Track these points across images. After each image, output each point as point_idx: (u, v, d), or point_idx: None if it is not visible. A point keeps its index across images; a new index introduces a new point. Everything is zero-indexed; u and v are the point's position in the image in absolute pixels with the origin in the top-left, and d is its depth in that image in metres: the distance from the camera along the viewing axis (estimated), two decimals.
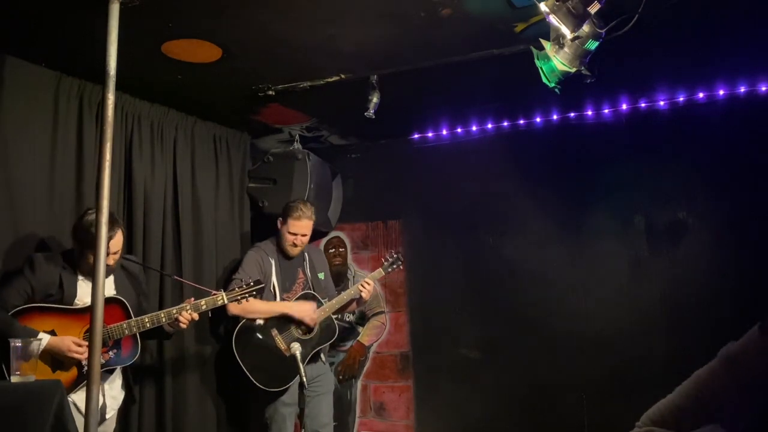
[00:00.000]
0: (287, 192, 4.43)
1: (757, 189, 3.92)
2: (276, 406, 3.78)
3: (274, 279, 3.90)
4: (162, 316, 3.13)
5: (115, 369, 3.14)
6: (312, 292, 3.98)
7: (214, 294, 3.30)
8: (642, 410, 4.04)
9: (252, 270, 3.83)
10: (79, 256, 3.01)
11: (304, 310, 3.83)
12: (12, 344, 2.45)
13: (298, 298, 3.92)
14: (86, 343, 2.83)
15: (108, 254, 2.97)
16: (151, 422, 3.72)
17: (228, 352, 3.84)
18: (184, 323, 3.16)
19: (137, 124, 3.84)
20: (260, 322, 3.81)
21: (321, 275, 4.14)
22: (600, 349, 4.16)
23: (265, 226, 4.54)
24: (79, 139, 3.49)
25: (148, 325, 3.06)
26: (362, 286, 3.94)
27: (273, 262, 3.94)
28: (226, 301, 3.32)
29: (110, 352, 3.01)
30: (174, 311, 3.17)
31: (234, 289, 3.37)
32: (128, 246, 3.70)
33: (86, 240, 2.90)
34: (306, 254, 4.10)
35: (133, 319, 3.04)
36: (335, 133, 4.84)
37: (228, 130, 4.50)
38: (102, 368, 2.94)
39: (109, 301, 3.03)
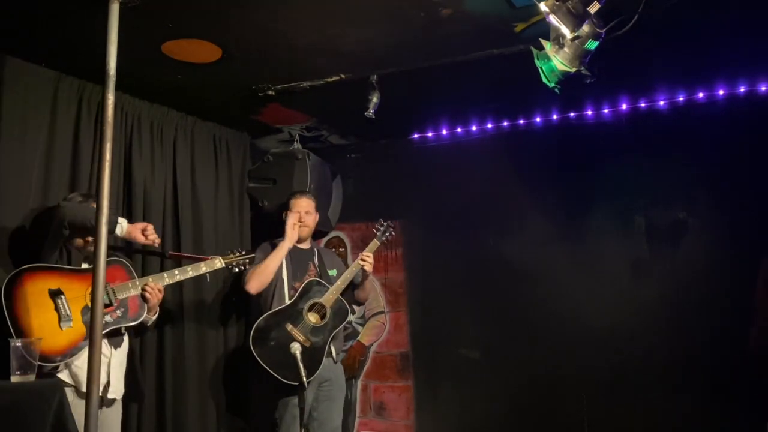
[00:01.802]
0: (287, 192, 4.43)
1: (757, 189, 3.92)
2: (287, 406, 3.77)
3: (284, 269, 3.92)
4: (165, 277, 3.27)
5: (123, 339, 3.18)
6: (314, 278, 3.96)
7: (211, 258, 3.52)
8: (642, 410, 4.06)
9: (266, 254, 3.93)
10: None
11: (288, 226, 3.91)
12: (12, 344, 2.45)
13: (305, 284, 3.90)
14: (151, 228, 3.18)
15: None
16: (151, 420, 3.71)
17: (243, 355, 3.87)
18: (150, 293, 3.17)
19: (137, 124, 3.84)
20: (273, 319, 3.80)
21: (332, 272, 4.12)
22: (600, 349, 4.16)
23: (265, 226, 4.54)
24: (79, 139, 3.49)
25: (150, 282, 3.18)
26: (362, 260, 3.94)
27: None
28: (223, 264, 3.53)
29: (118, 311, 3.06)
30: (176, 272, 3.31)
31: (229, 255, 3.59)
32: (128, 246, 3.70)
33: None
34: (316, 250, 4.13)
35: (137, 279, 3.16)
36: (335, 133, 4.84)
37: (228, 130, 4.50)
38: (110, 326, 3.03)
39: (110, 263, 3.10)
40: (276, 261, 3.87)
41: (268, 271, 3.85)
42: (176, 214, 4.02)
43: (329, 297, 3.86)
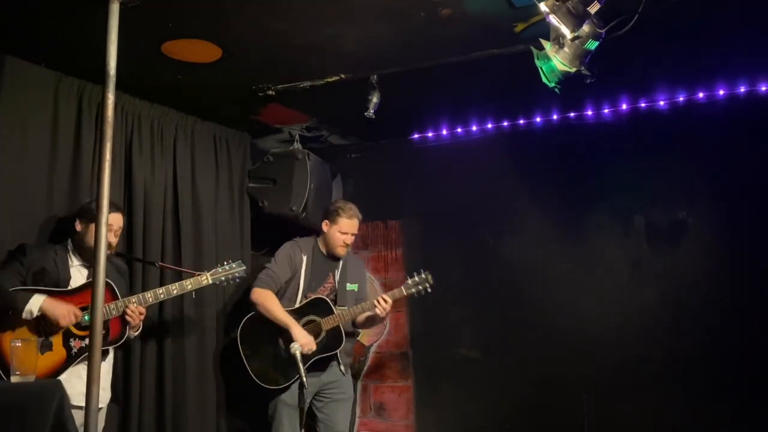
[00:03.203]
0: (287, 192, 4.43)
1: (757, 189, 3.92)
2: (277, 404, 3.77)
3: (302, 275, 3.89)
4: (149, 296, 3.22)
5: (108, 354, 3.17)
6: (325, 298, 3.87)
7: (198, 275, 3.42)
8: (642, 410, 4.06)
9: (282, 262, 3.89)
10: (81, 238, 3.06)
11: (304, 340, 3.62)
12: (12, 344, 2.46)
13: (315, 299, 3.86)
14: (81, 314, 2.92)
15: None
16: (151, 420, 3.71)
17: (232, 344, 3.87)
18: (131, 316, 3.10)
19: (137, 124, 3.84)
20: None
21: (353, 287, 4.00)
22: (600, 349, 4.16)
23: (265, 226, 4.54)
24: (79, 139, 3.49)
25: (134, 302, 3.13)
26: (377, 302, 3.71)
27: (305, 258, 3.92)
28: (210, 281, 3.43)
29: None
30: (161, 291, 3.27)
31: (218, 270, 3.49)
32: (129, 246, 3.71)
33: (88, 217, 3.00)
34: (341, 262, 4.00)
35: (120, 300, 3.11)
36: (335, 133, 4.84)
37: (228, 130, 4.50)
38: None
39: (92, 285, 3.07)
40: (275, 321, 3.72)
41: (269, 317, 3.74)
42: (176, 214, 4.01)
43: (329, 321, 3.79)
